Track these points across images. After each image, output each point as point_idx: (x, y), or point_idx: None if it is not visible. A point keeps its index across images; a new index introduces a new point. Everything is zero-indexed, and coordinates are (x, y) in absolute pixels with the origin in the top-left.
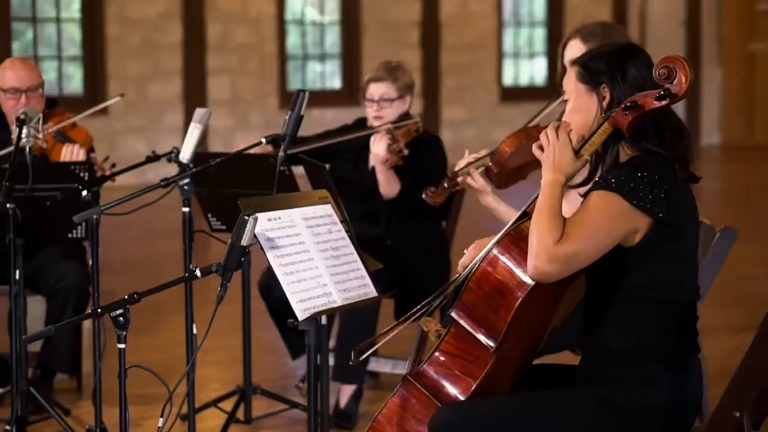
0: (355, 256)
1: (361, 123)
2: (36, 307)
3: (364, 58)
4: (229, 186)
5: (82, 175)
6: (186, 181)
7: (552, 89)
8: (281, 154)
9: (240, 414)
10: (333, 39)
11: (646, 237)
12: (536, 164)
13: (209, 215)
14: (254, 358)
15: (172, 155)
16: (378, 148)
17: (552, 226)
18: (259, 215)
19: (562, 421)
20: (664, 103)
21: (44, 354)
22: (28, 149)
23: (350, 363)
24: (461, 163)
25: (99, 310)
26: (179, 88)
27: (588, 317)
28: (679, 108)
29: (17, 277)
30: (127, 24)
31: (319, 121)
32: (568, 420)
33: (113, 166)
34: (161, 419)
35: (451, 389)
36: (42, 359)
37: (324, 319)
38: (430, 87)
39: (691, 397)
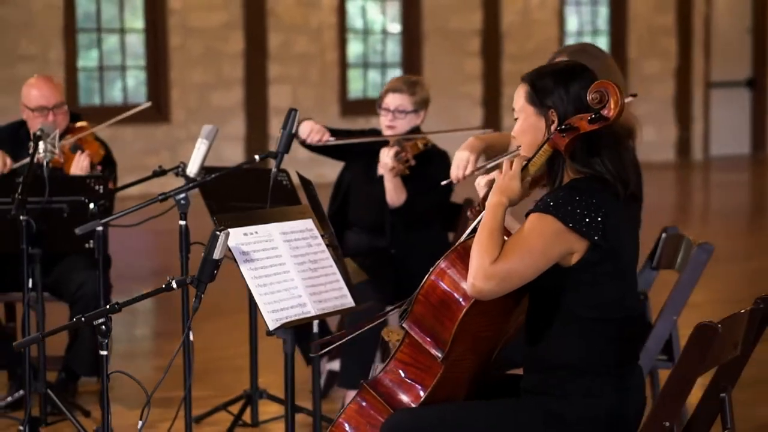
0: (334, 269)
1: (375, 133)
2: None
3: (425, 66)
4: (238, 199)
5: (96, 188)
6: (182, 195)
7: None
8: (274, 170)
9: (249, 417)
10: (394, 48)
11: (584, 259)
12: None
13: (221, 227)
14: (270, 363)
15: (179, 170)
16: (387, 156)
17: (490, 246)
18: (235, 230)
19: (507, 429)
20: (597, 126)
21: (68, 358)
22: (45, 163)
23: (310, 355)
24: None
25: (83, 318)
26: (240, 96)
27: (531, 331)
28: (745, 114)
29: (30, 285)
30: (190, 34)
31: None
32: (512, 429)
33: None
34: (140, 422)
35: (404, 397)
36: (66, 363)
37: (315, 327)
38: (490, 95)
39: (633, 408)
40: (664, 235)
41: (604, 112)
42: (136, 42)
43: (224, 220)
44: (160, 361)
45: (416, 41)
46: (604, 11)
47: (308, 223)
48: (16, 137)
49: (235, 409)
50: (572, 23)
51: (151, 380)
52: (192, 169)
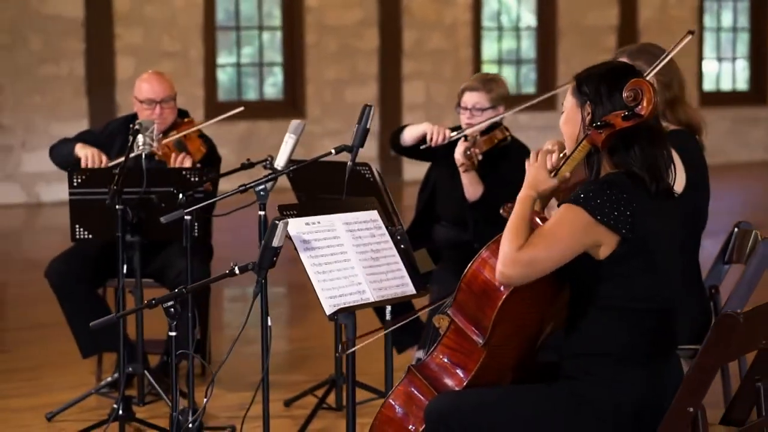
0: (397, 258)
1: (456, 130)
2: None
3: (559, 63)
4: (325, 191)
5: (193, 180)
6: (261, 186)
7: (755, 93)
8: (350, 163)
9: (334, 402)
10: (528, 44)
11: (615, 252)
12: None
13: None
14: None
15: (267, 163)
16: (457, 152)
17: (517, 234)
18: (297, 220)
19: (538, 413)
20: (631, 123)
21: (167, 341)
22: (143, 156)
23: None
24: None
25: (153, 301)
26: (375, 92)
27: (568, 320)
28: None
29: (126, 271)
30: (325, 31)
31: (513, 125)
32: (544, 413)
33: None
34: (205, 399)
35: (448, 380)
36: (166, 346)
37: (388, 315)
38: None
39: (662, 398)
40: (736, 230)
41: (638, 110)
42: (273, 39)
43: (288, 210)
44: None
45: (551, 37)
46: (744, 6)
47: (373, 215)
48: (127, 129)
49: (321, 393)
50: (710, 20)
51: (253, 365)
52: (279, 162)
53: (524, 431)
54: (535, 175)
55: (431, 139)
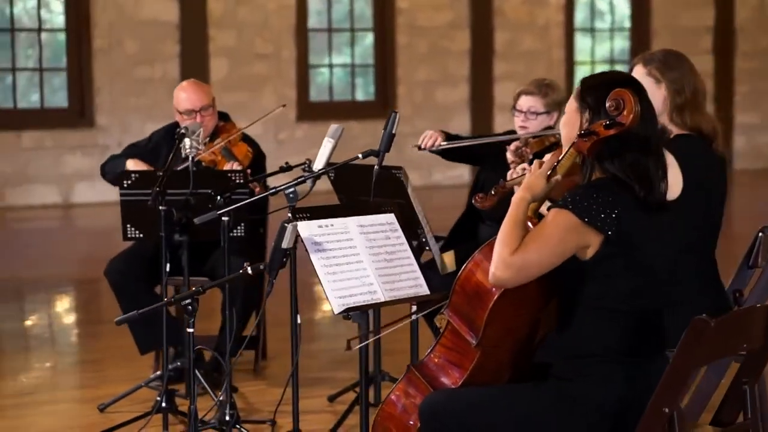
0: (411, 260)
1: (509, 134)
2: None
3: None
4: (365, 193)
5: (238, 182)
6: (291, 189)
7: None
8: (376, 167)
9: (373, 398)
10: (622, 45)
11: (599, 252)
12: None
13: None
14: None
15: (305, 166)
16: (508, 149)
17: (510, 238)
18: (309, 222)
19: (527, 412)
20: (613, 131)
21: (218, 339)
22: (190, 158)
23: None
24: (514, 175)
25: (173, 298)
26: (466, 93)
27: (558, 321)
28: None
29: (167, 269)
30: (416, 32)
31: None
32: (533, 412)
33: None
34: (223, 395)
35: (445, 379)
36: (217, 343)
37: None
38: (722, 93)
39: (646, 398)
40: (760, 234)
41: (620, 119)
42: (364, 41)
43: (301, 213)
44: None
45: (645, 38)
46: None
47: (390, 218)
48: (171, 137)
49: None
50: None
51: (304, 362)
52: (317, 166)
53: (513, 429)
54: (533, 180)
55: (421, 141)
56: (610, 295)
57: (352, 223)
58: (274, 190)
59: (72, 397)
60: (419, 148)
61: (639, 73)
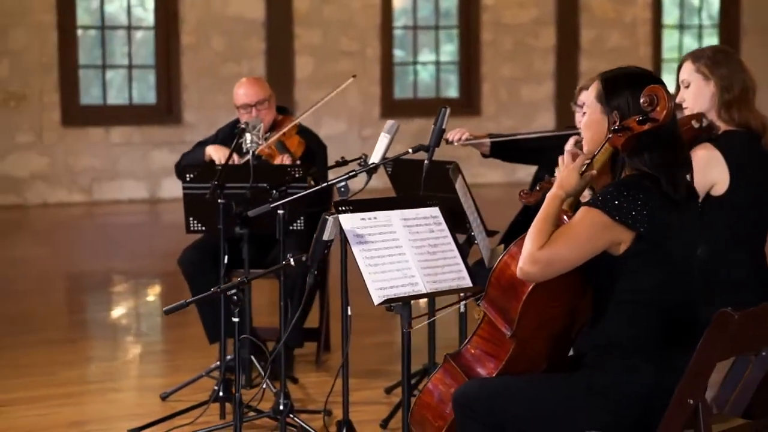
0: (455, 253)
1: (570, 129)
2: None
3: (744, 60)
4: (420, 188)
5: (297, 176)
6: (342, 183)
7: None
8: (426, 162)
9: None
10: (711, 42)
11: (631, 248)
12: None
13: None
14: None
15: (362, 160)
16: (568, 144)
17: (540, 233)
18: (352, 215)
19: (557, 401)
20: (647, 126)
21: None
22: (251, 153)
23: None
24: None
25: (219, 289)
26: (551, 90)
27: (592, 314)
28: None
29: (225, 261)
30: (501, 29)
31: None
32: (563, 401)
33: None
34: (264, 384)
35: (480, 369)
36: (279, 334)
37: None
38: None
39: (674, 390)
40: None
41: (653, 114)
42: (449, 38)
43: (344, 206)
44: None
45: (734, 36)
46: None
47: (434, 211)
48: (233, 132)
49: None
50: None
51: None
52: (374, 160)
53: (543, 417)
54: (567, 176)
55: (450, 135)
56: (642, 290)
57: (395, 216)
58: (324, 185)
59: (138, 385)
60: (447, 141)
61: (688, 69)
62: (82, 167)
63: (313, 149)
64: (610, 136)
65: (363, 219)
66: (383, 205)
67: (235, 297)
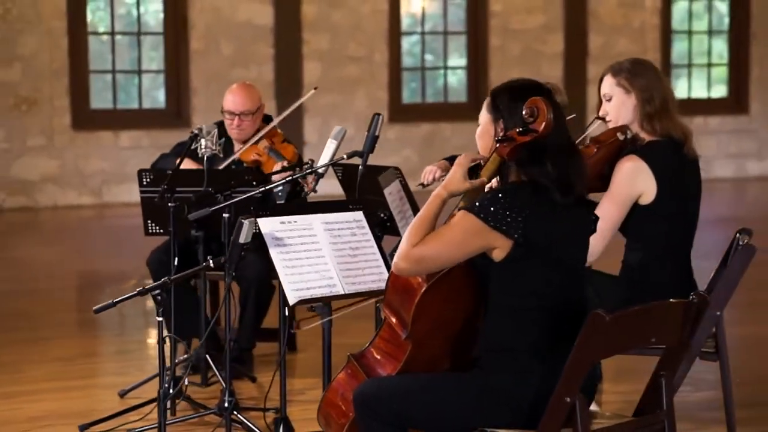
0: (377, 256)
1: None
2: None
3: (752, 67)
4: (372, 193)
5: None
6: (280, 188)
7: None
8: (360, 167)
9: None
10: (720, 48)
11: (510, 255)
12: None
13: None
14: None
15: (307, 166)
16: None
17: (416, 231)
18: (271, 219)
19: (451, 400)
20: (528, 137)
21: (238, 329)
22: (205, 158)
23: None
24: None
25: (144, 288)
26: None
27: (484, 317)
28: None
29: (176, 263)
30: (509, 35)
31: (702, 129)
32: (456, 400)
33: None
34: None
35: (381, 370)
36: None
37: None
38: None
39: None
40: (738, 236)
41: (534, 126)
42: (457, 43)
43: (262, 211)
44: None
45: (743, 42)
46: None
47: (357, 215)
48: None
49: None
50: None
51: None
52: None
53: (437, 415)
54: (451, 175)
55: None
56: (528, 294)
57: (317, 219)
58: (263, 188)
59: (101, 383)
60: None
61: (609, 83)
62: (92, 170)
63: (300, 157)
64: (497, 146)
65: (282, 222)
66: (307, 210)
67: (159, 297)
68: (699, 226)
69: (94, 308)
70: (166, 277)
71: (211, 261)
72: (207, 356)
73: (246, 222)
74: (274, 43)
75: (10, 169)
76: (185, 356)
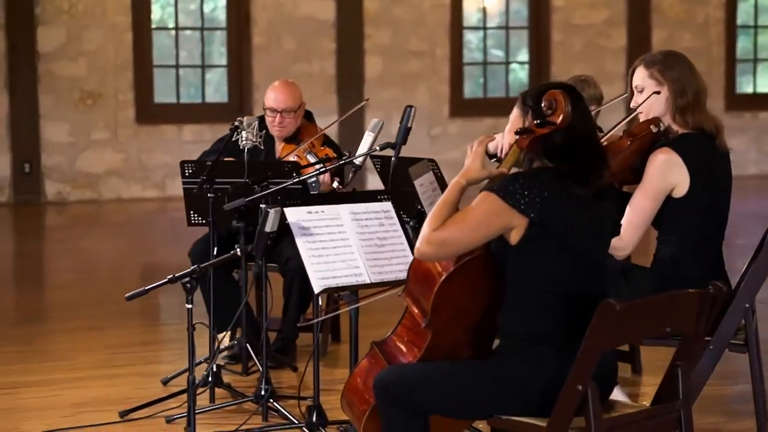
0: (404, 246)
1: None
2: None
3: None
4: (407, 184)
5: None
6: (313, 179)
7: None
8: (393, 159)
9: None
10: None
11: (525, 235)
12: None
13: (399, 211)
14: None
15: (345, 158)
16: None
17: (437, 217)
18: (298, 208)
19: (466, 386)
20: (546, 129)
21: (283, 320)
22: (245, 150)
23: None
24: None
25: (174, 276)
26: (622, 91)
27: (502, 303)
28: None
29: (215, 252)
30: (572, 30)
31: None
32: (471, 386)
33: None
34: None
35: (402, 357)
36: (282, 325)
37: None
38: None
39: None
40: None
41: (551, 118)
42: (519, 38)
43: (291, 200)
44: None
45: None
46: None
47: (386, 206)
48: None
49: None
50: None
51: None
52: (358, 159)
53: (454, 402)
54: (470, 164)
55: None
56: (538, 277)
57: (344, 210)
58: (297, 178)
59: (146, 371)
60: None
61: (641, 75)
62: (155, 164)
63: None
64: (516, 138)
65: (310, 212)
66: (335, 201)
67: (188, 285)
68: (750, 222)
69: (126, 295)
70: (195, 266)
71: (238, 250)
72: (248, 345)
73: (272, 211)
74: (336, 38)
75: (75, 162)
76: (226, 345)
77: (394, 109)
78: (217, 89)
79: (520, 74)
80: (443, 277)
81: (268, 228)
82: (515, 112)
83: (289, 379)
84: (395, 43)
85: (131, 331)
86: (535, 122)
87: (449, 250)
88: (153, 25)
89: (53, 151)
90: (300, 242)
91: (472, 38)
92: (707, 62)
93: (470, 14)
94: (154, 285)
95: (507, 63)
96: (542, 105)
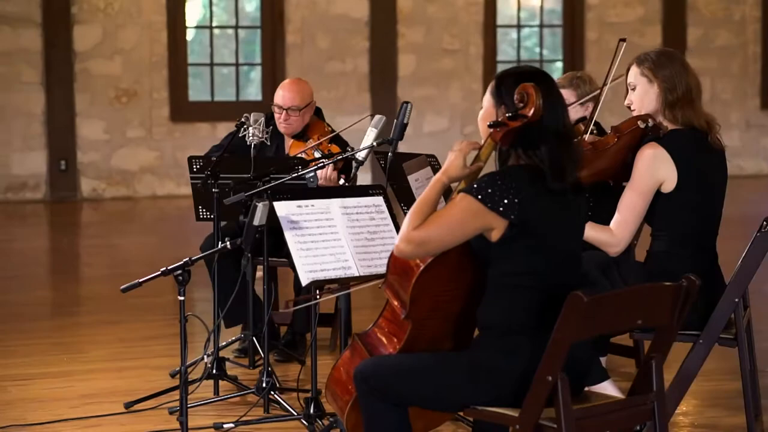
0: (395, 239)
1: None
2: None
3: None
4: (406, 180)
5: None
6: (311, 174)
7: None
8: (390, 154)
9: None
10: None
11: (504, 235)
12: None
13: (402, 205)
14: None
15: (345, 154)
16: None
17: (417, 215)
18: (288, 202)
19: (442, 377)
20: (518, 123)
21: (294, 315)
22: (252, 145)
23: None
24: None
25: (167, 269)
26: None
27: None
28: None
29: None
30: (606, 28)
31: None
32: (447, 377)
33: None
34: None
35: (383, 349)
36: (292, 319)
37: None
38: None
39: None
40: (765, 223)
41: (523, 111)
42: (553, 36)
43: (281, 194)
44: None
45: None
46: None
47: (377, 200)
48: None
49: None
50: None
51: None
52: (360, 154)
53: (431, 393)
54: (452, 161)
55: None
56: (520, 274)
57: (335, 204)
58: (296, 174)
59: (155, 364)
60: None
61: (634, 72)
62: None
63: (347, 162)
64: (491, 130)
65: (299, 206)
66: (326, 195)
67: (180, 277)
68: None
69: (121, 287)
70: (187, 259)
71: (228, 243)
72: (254, 339)
73: (260, 205)
74: (369, 36)
75: (110, 159)
76: (232, 339)
77: (426, 107)
78: (251, 87)
79: (554, 72)
80: (421, 269)
81: (256, 221)
82: (488, 98)
83: (296, 373)
84: (428, 42)
85: (147, 325)
86: (507, 115)
87: (428, 248)
88: (187, 24)
89: (89, 148)
90: (288, 236)
91: (505, 36)
92: (743, 61)
93: (504, 12)
94: (148, 277)
95: (541, 61)
96: (514, 98)
